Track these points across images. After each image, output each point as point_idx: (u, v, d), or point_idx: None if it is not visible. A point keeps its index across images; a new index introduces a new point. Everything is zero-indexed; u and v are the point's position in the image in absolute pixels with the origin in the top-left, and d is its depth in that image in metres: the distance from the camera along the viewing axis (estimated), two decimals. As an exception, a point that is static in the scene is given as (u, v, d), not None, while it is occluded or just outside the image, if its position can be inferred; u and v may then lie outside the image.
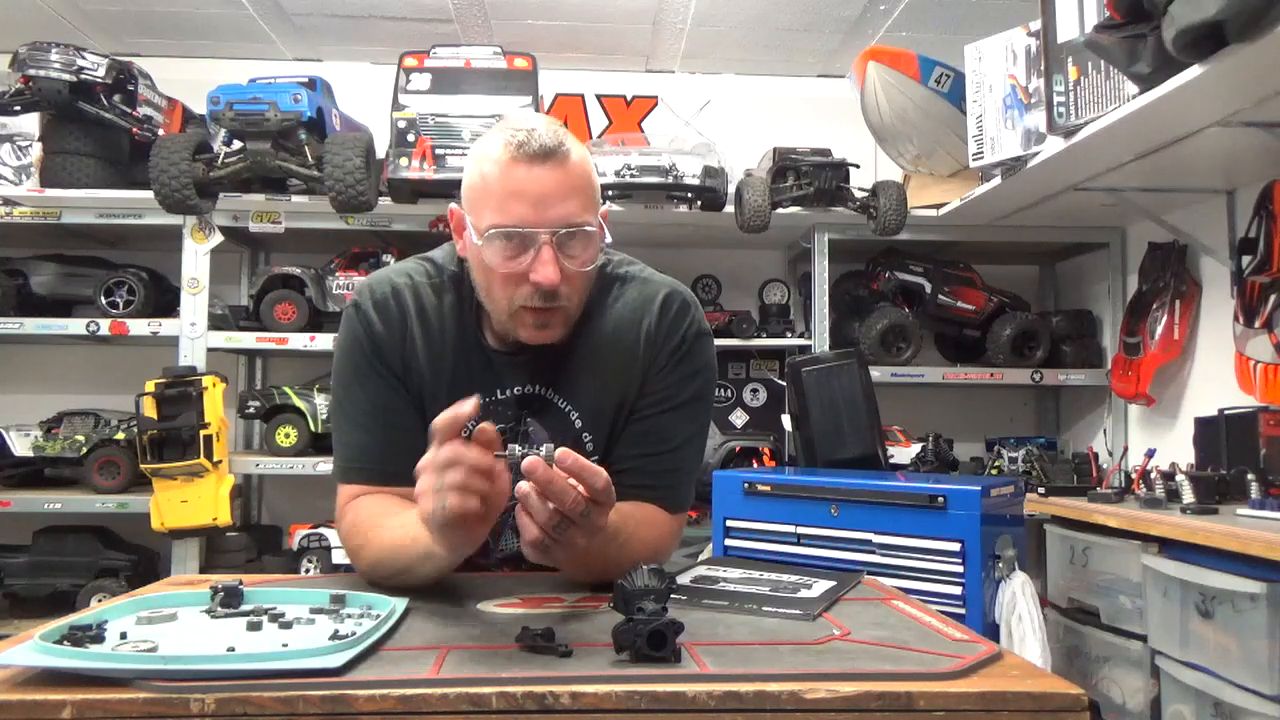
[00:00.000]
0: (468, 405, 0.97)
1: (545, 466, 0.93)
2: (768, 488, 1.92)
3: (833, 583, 1.25)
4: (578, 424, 1.32)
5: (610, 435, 1.33)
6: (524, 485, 0.95)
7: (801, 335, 3.53)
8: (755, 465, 3.27)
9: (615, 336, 1.32)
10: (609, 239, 1.27)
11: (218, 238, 3.19)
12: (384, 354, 1.30)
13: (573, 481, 0.95)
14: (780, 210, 3.17)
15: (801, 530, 1.86)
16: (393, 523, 1.18)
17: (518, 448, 0.96)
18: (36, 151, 3.24)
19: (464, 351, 1.31)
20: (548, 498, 0.95)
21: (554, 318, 1.23)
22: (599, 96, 3.97)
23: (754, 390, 3.92)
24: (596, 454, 1.33)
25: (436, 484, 0.96)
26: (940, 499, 1.73)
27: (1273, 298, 2.55)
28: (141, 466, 2.97)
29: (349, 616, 1.00)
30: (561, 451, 0.94)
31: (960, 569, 1.71)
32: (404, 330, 1.30)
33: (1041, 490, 2.91)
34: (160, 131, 3.34)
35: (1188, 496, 2.33)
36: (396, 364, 1.30)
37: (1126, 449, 3.28)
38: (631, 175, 3.14)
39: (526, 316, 1.22)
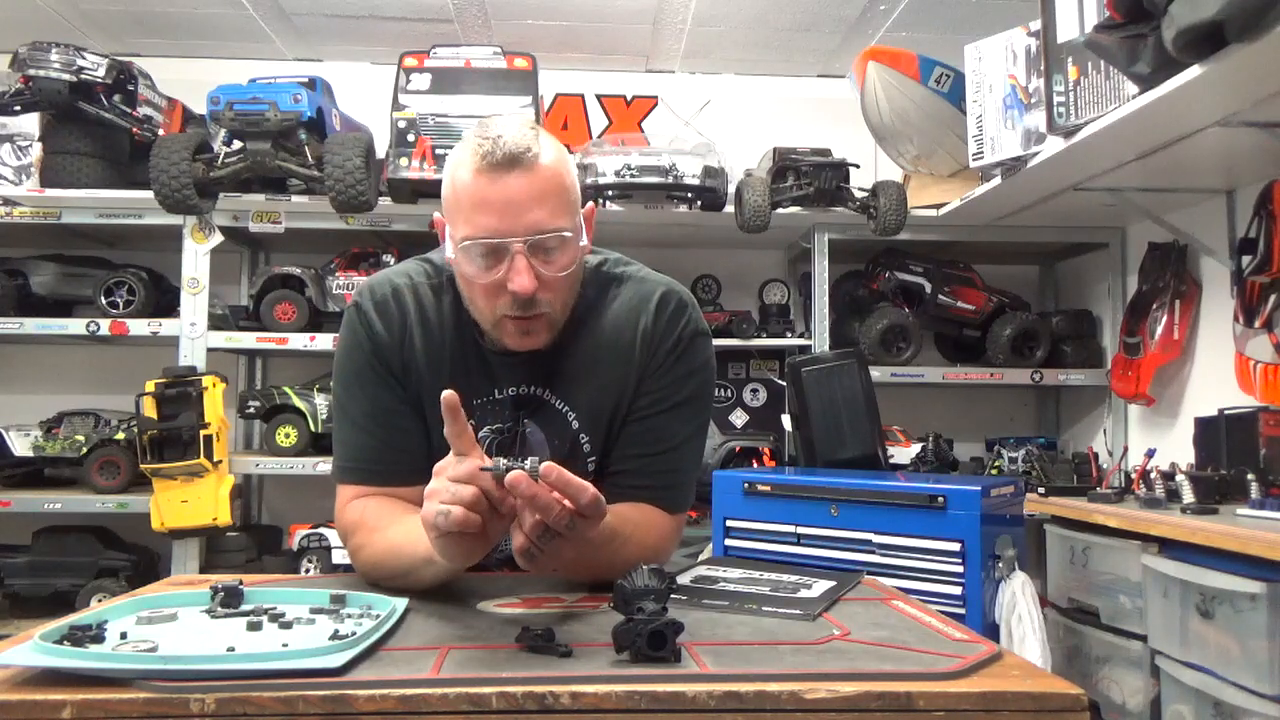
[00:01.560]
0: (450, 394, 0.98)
1: (529, 481, 0.92)
2: (768, 488, 1.92)
3: (833, 583, 1.25)
4: (575, 425, 1.32)
5: (608, 436, 1.33)
6: None
7: (801, 335, 3.53)
8: (755, 465, 3.27)
9: (612, 337, 1.32)
10: (584, 241, 1.25)
11: (218, 238, 3.19)
12: (384, 355, 1.30)
13: (558, 495, 0.95)
14: (780, 210, 3.17)
15: (801, 530, 1.86)
16: (396, 525, 1.19)
17: (504, 460, 0.95)
18: (36, 151, 3.23)
19: (462, 352, 1.31)
20: (534, 510, 0.96)
21: (536, 324, 1.23)
22: (599, 96, 3.97)
23: (754, 390, 3.92)
24: (594, 455, 1.33)
25: (445, 494, 0.96)
26: (940, 499, 1.73)
27: (1273, 298, 2.55)
28: (141, 466, 2.97)
29: (349, 616, 1.00)
30: (546, 466, 0.93)
31: (960, 569, 1.71)
32: (404, 331, 1.31)
33: (1041, 490, 2.91)
34: (160, 131, 3.33)
35: (1188, 496, 2.33)
36: (396, 365, 1.30)
37: (1126, 449, 3.28)
38: (631, 175, 3.14)
39: (509, 325, 1.22)
